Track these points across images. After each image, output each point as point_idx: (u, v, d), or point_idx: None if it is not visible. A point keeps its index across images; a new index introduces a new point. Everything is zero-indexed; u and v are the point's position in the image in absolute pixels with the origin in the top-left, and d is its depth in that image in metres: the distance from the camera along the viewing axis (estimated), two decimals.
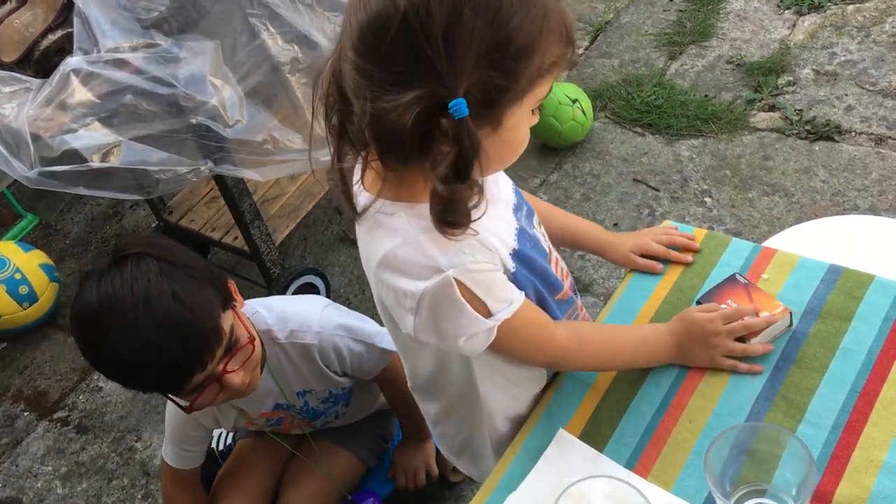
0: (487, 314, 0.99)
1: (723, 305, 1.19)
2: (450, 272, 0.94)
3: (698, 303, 1.22)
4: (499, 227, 1.05)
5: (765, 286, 1.22)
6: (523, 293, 1.05)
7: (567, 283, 1.21)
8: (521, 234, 1.09)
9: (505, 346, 1.06)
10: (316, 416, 1.66)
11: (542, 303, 1.13)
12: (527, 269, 1.08)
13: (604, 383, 1.19)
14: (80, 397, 2.50)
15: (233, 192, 2.11)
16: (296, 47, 1.85)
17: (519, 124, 0.93)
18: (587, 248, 1.39)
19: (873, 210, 2.22)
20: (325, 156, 1.93)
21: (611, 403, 1.16)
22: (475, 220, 0.91)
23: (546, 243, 1.18)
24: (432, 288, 0.94)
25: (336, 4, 1.88)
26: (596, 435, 1.13)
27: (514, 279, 1.05)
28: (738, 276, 1.23)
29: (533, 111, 0.95)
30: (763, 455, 1.00)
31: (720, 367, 1.15)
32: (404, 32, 0.82)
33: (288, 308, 1.50)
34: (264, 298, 1.57)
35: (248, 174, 1.89)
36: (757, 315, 1.15)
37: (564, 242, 1.38)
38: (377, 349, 1.59)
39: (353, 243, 2.67)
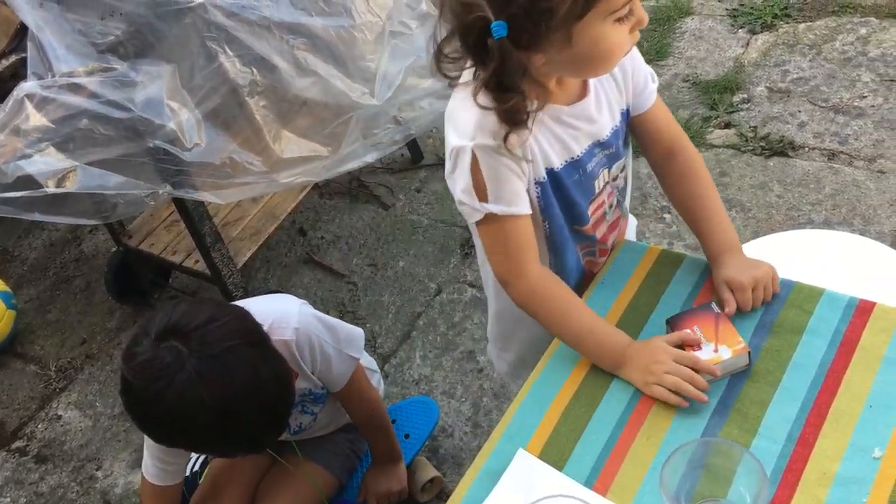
0: (485, 197, 1.13)
1: (687, 329, 1.19)
2: (471, 143, 1.10)
3: (668, 323, 1.23)
4: (551, 146, 1.19)
5: (718, 301, 1.24)
6: (528, 212, 1.18)
7: (599, 227, 1.34)
8: (574, 164, 1.22)
9: (482, 235, 1.22)
10: (293, 414, 1.66)
11: (557, 223, 1.26)
12: (555, 190, 1.22)
13: (563, 402, 1.20)
14: (39, 426, 2.45)
15: (193, 216, 2.09)
16: (254, 70, 1.84)
17: (597, 39, 1.03)
18: (703, 245, 1.32)
19: (827, 223, 2.27)
20: (284, 178, 1.96)
21: (570, 422, 1.17)
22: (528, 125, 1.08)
23: (602, 187, 1.30)
24: (458, 147, 1.12)
25: (294, 27, 1.88)
26: (555, 454, 1.13)
27: (541, 192, 1.20)
28: (713, 306, 1.22)
29: (620, 21, 1.03)
30: (718, 469, 1.02)
31: (650, 392, 1.15)
32: None
33: (265, 307, 1.50)
34: (239, 302, 1.56)
35: (207, 197, 1.88)
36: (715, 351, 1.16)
37: (686, 219, 1.36)
38: (345, 355, 1.59)
39: (316, 265, 2.66)
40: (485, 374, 2.21)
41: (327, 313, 2.48)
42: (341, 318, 2.47)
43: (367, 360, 1.89)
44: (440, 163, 2.87)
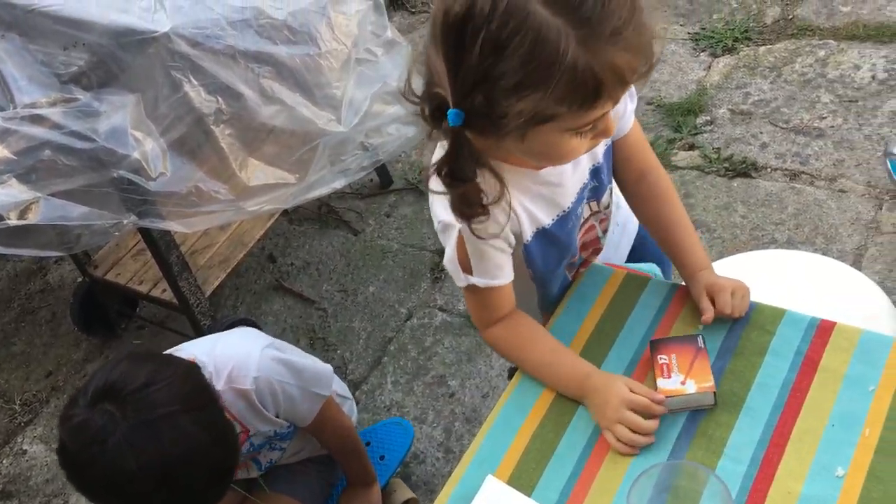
0: (469, 270, 1.19)
1: (665, 358, 1.19)
2: (458, 226, 1.14)
3: (651, 344, 1.23)
4: (539, 206, 1.21)
5: (682, 324, 1.25)
6: (509, 280, 1.23)
7: (588, 249, 1.39)
8: (565, 217, 1.24)
9: (465, 294, 1.28)
10: (262, 452, 1.63)
11: (547, 267, 1.30)
12: (546, 243, 1.25)
13: (531, 427, 1.20)
14: (4, 462, 2.40)
15: (159, 245, 2.08)
16: (219, 98, 1.84)
17: (551, 144, 1.03)
18: (678, 266, 1.34)
19: (790, 243, 2.30)
20: (252, 206, 1.95)
21: (538, 447, 1.17)
22: (493, 204, 1.07)
23: (589, 216, 1.33)
24: (446, 222, 1.15)
25: (259, 56, 1.88)
26: (524, 479, 1.13)
27: (526, 248, 1.23)
28: (699, 339, 1.21)
29: (580, 134, 1.02)
30: (684, 492, 1.02)
31: (605, 434, 1.15)
32: (440, 41, 0.96)
33: (226, 351, 1.48)
34: (205, 339, 1.54)
35: (173, 226, 1.87)
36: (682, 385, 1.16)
37: (657, 240, 1.39)
38: (310, 393, 1.57)
39: (286, 292, 2.64)
40: (456, 398, 2.21)
41: (297, 341, 2.50)
42: (311, 345, 2.47)
43: (340, 387, 1.88)
44: (409, 187, 2.88)
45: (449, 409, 2.19)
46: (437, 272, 2.56)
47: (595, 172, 1.28)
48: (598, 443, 1.16)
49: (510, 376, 1.33)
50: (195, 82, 1.79)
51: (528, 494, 1.11)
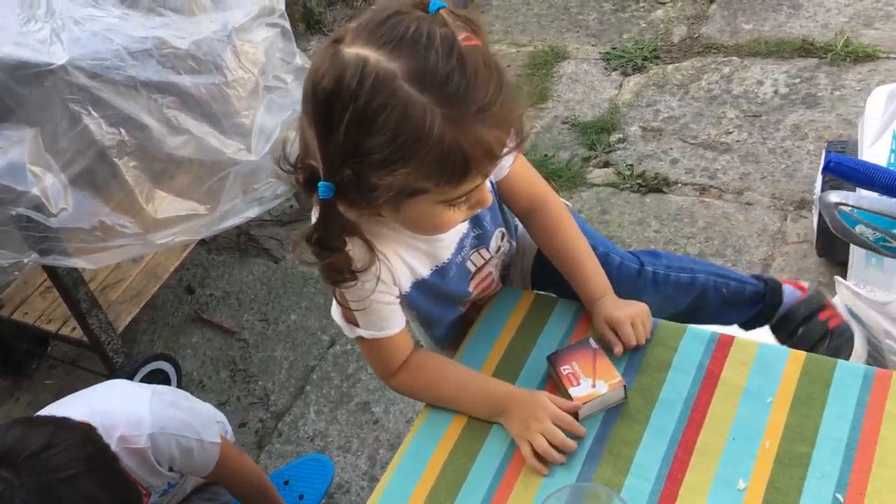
0: (356, 322, 1.19)
1: (567, 368, 1.21)
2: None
3: (549, 360, 1.24)
4: (417, 258, 1.21)
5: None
6: (401, 327, 1.23)
7: (485, 290, 1.38)
8: (443, 268, 1.24)
9: (359, 344, 1.26)
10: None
11: (435, 313, 1.32)
12: (427, 292, 1.25)
13: (441, 457, 1.19)
14: None
15: (65, 282, 2.01)
16: (122, 130, 1.80)
17: (426, 215, 1.03)
18: (579, 294, 1.34)
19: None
20: (161, 238, 1.90)
21: (448, 478, 1.16)
22: (364, 272, 1.10)
23: (483, 264, 1.32)
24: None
25: (163, 86, 1.85)
26: None
27: (406, 297, 1.23)
28: (590, 341, 1.25)
29: (454, 206, 1.02)
30: None
31: (521, 448, 1.15)
32: (311, 115, 0.97)
33: (114, 410, 1.42)
34: (82, 395, 1.47)
35: (77, 263, 1.81)
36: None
37: (560, 270, 1.37)
38: (207, 444, 1.52)
39: (205, 323, 2.59)
40: (380, 425, 2.19)
41: (217, 373, 2.44)
42: (232, 377, 2.42)
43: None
44: None
45: (373, 436, 2.17)
46: None
47: (475, 221, 1.26)
48: (508, 468, 1.16)
49: None
50: (95, 115, 1.75)
51: None
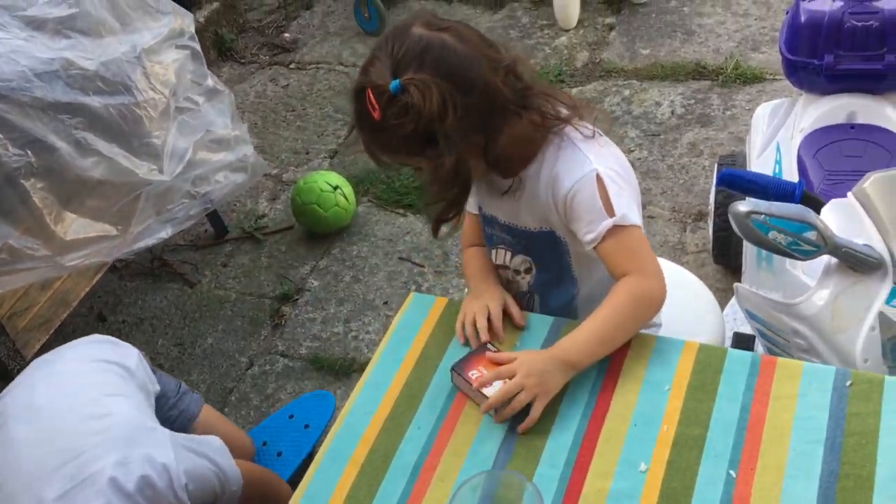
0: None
1: (475, 372, 1.26)
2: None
3: (453, 370, 1.29)
4: (481, 188, 1.42)
5: (505, 348, 1.33)
6: (471, 210, 1.47)
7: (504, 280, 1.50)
8: (484, 215, 1.47)
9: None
10: None
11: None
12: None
13: (361, 455, 1.22)
14: None
15: None
16: (29, 152, 1.78)
17: None
18: None
19: None
20: (70, 260, 1.89)
21: (367, 476, 1.20)
22: None
23: (501, 261, 1.47)
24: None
25: (71, 107, 1.84)
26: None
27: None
28: (489, 346, 1.31)
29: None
30: (504, 500, 1.08)
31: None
32: None
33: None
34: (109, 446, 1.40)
35: None
36: None
37: None
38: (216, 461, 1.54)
39: None
40: None
41: None
42: None
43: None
44: (245, 236, 2.86)
45: None
46: (277, 318, 2.55)
47: (498, 225, 1.43)
48: (425, 463, 1.20)
49: None
50: (1, 136, 1.72)
51: None
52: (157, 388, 1.63)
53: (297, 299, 2.60)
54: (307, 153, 3.19)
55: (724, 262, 2.33)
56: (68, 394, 1.45)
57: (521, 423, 1.20)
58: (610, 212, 1.26)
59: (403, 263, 2.64)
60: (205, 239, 2.88)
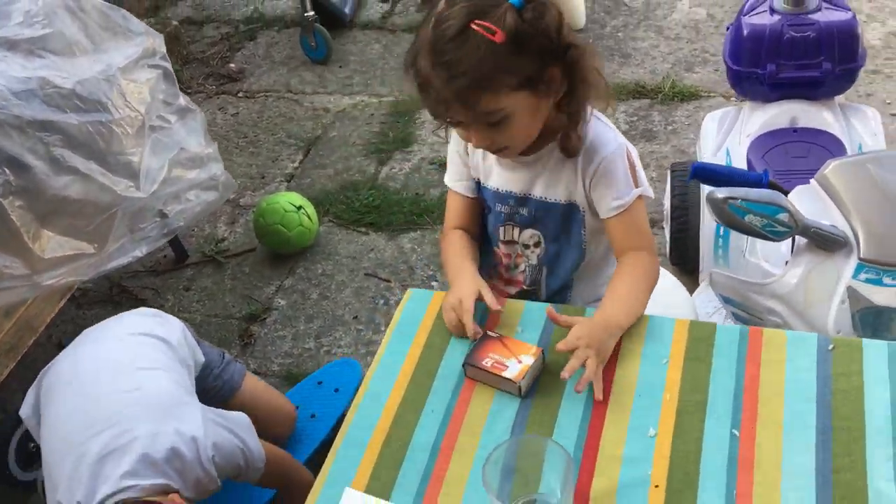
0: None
1: (488, 360, 1.31)
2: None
3: (465, 365, 1.34)
4: (490, 165, 1.49)
5: (505, 332, 1.38)
6: (462, 193, 1.56)
7: (507, 269, 1.59)
8: (491, 192, 1.50)
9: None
10: None
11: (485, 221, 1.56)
12: (482, 194, 1.53)
13: (378, 442, 1.26)
14: None
15: None
16: (6, 170, 1.76)
17: None
18: None
19: None
20: (48, 279, 1.90)
21: (386, 459, 1.23)
22: None
23: (506, 237, 1.53)
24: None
25: (48, 125, 1.83)
26: (380, 486, 1.19)
27: (477, 188, 1.53)
28: (489, 333, 1.36)
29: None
30: (528, 466, 1.13)
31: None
32: None
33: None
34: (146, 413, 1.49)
35: None
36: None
37: None
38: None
39: None
40: None
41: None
42: None
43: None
44: (206, 259, 2.85)
45: None
46: (246, 338, 2.55)
47: (508, 199, 1.47)
48: (442, 444, 1.24)
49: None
50: None
51: (387, 499, 1.16)
52: (202, 359, 1.73)
53: (265, 318, 2.60)
54: (263, 177, 3.21)
55: (682, 263, 2.45)
56: (109, 367, 1.56)
57: (577, 384, 1.26)
58: (636, 183, 1.38)
59: (370, 279, 2.68)
60: (165, 264, 2.85)
